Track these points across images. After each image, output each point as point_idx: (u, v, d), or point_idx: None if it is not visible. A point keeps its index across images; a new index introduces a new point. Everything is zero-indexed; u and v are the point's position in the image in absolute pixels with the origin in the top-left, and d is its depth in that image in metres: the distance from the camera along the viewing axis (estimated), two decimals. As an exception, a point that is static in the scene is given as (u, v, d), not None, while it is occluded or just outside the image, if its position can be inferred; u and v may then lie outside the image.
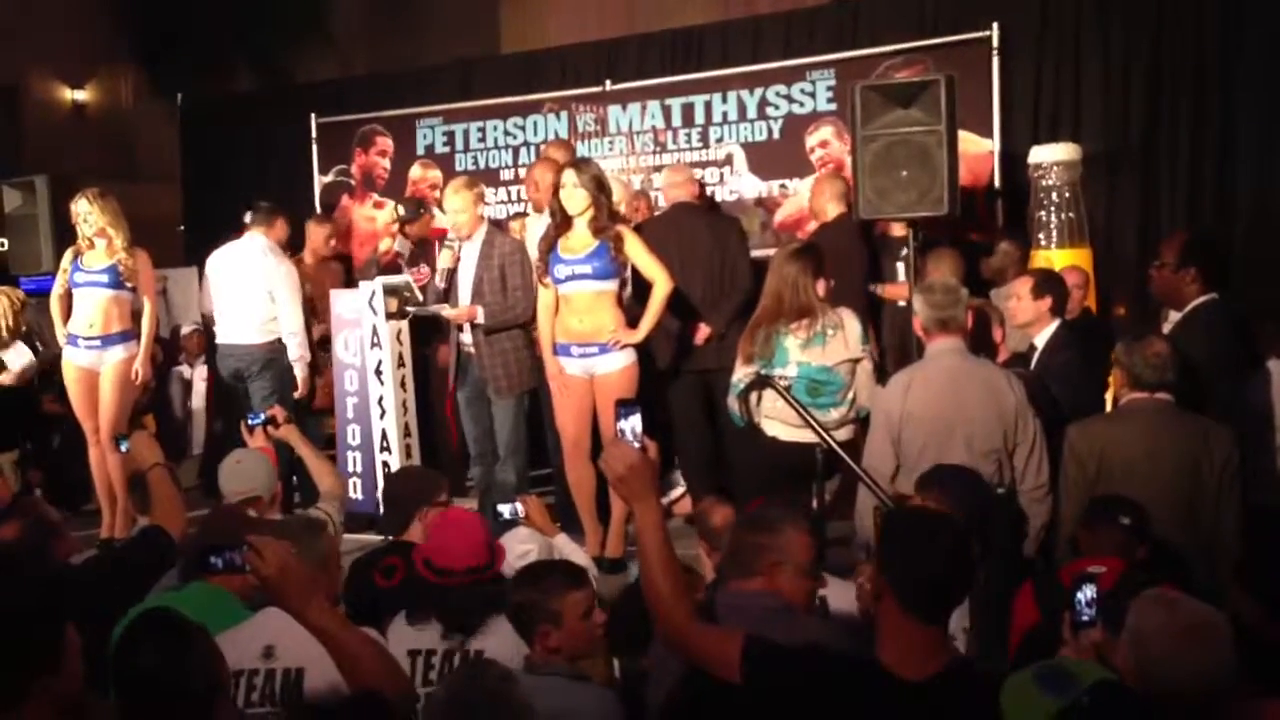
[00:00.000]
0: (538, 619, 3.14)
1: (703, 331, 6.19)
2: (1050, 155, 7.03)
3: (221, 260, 6.98)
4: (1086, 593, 2.74)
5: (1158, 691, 2.35)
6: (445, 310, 6.19)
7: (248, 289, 6.77)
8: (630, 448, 2.49)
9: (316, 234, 7.70)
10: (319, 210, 9.41)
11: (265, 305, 6.72)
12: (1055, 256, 6.78)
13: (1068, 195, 6.98)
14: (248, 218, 7.13)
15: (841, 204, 6.75)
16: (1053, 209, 6.98)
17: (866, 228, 6.64)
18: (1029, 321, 5.31)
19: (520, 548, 4.10)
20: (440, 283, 6.25)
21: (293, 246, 7.28)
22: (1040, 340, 5.26)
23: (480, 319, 6.02)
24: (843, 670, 2.49)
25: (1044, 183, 7.02)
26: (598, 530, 5.70)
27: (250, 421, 4.97)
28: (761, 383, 4.96)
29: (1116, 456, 3.97)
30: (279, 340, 6.72)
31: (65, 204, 6.58)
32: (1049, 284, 5.36)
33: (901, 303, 6.23)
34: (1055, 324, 5.26)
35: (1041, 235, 6.97)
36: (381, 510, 4.50)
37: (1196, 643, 2.40)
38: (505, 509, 4.46)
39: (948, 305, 4.50)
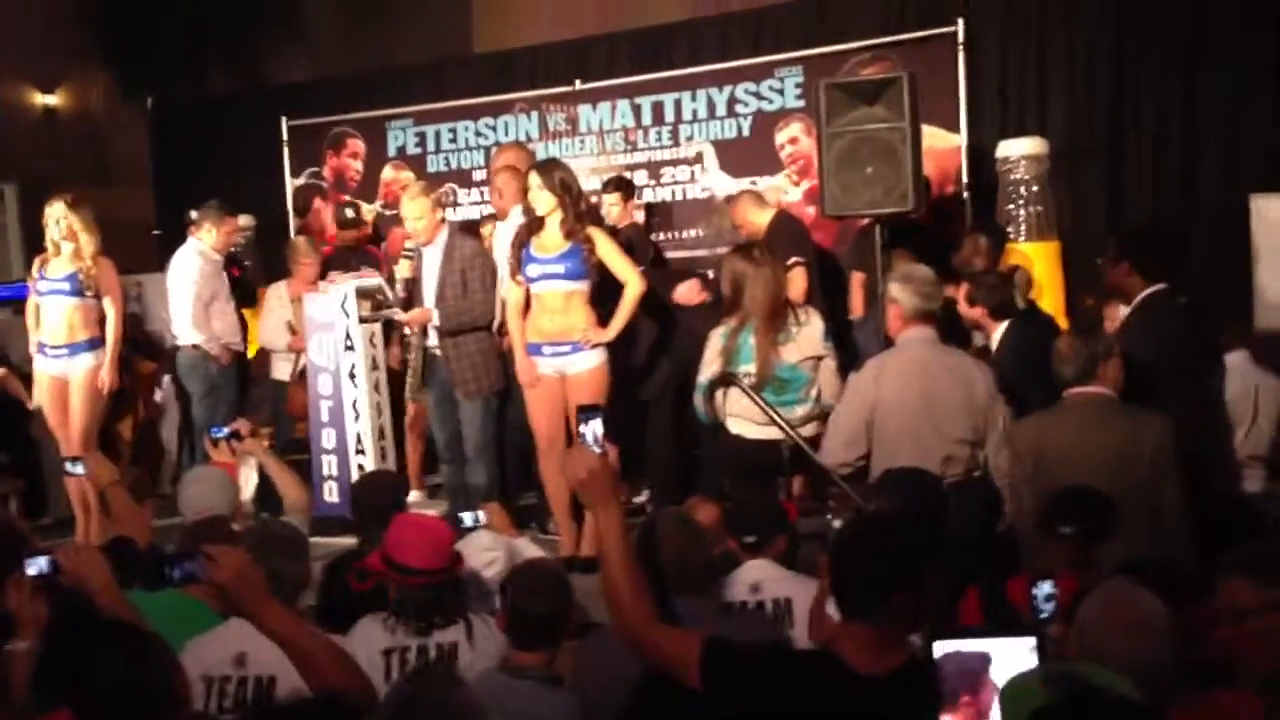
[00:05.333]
0: None
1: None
2: (1017, 149, 7.09)
3: (171, 264, 7.14)
4: (1044, 589, 2.77)
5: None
6: (399, 314, 6.23)
7: (176, 292, 6.98)
8: (590, 452, 2.52)
9: (305, 259, 7.67)
10: (291, 213, 9.43)
11: (189, 308, 6.87)
12: (1024, 250, 6.85)
13: (1035, 189, 7.04)
14: (193, 215, 7.18)
15: (765, 207, 6.90)
16: (1021, 203, 7.04)
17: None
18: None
19: (486, 555, 4.12)
20: (401, 292, 6.28)
21: (273, 258, 7.35)
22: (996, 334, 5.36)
23: (435, 321, 6.04)
24: (802, 667, 2.52)
25: (1011, 176, 7.08)
26: (572, 529, 5.73)
27: (213, 434, 4.95)
28: (726, 380, 5.00)
29: (1052, 452, 4.00)
30: (204, 344, 6.88)
31: (36, 211, 6.61)
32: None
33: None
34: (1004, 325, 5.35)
35: (1010, 229, 7.02)
36: (354, 515, 4.49)
37: (1134, 634, 2.44)
38: (467, 517, 4.48)
39: (931, 295, 4.56)
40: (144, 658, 2.39)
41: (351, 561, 4.01)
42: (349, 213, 8.10)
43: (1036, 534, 3.56)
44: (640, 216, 7.46)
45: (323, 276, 7.28)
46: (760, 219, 6.84)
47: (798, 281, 6.39)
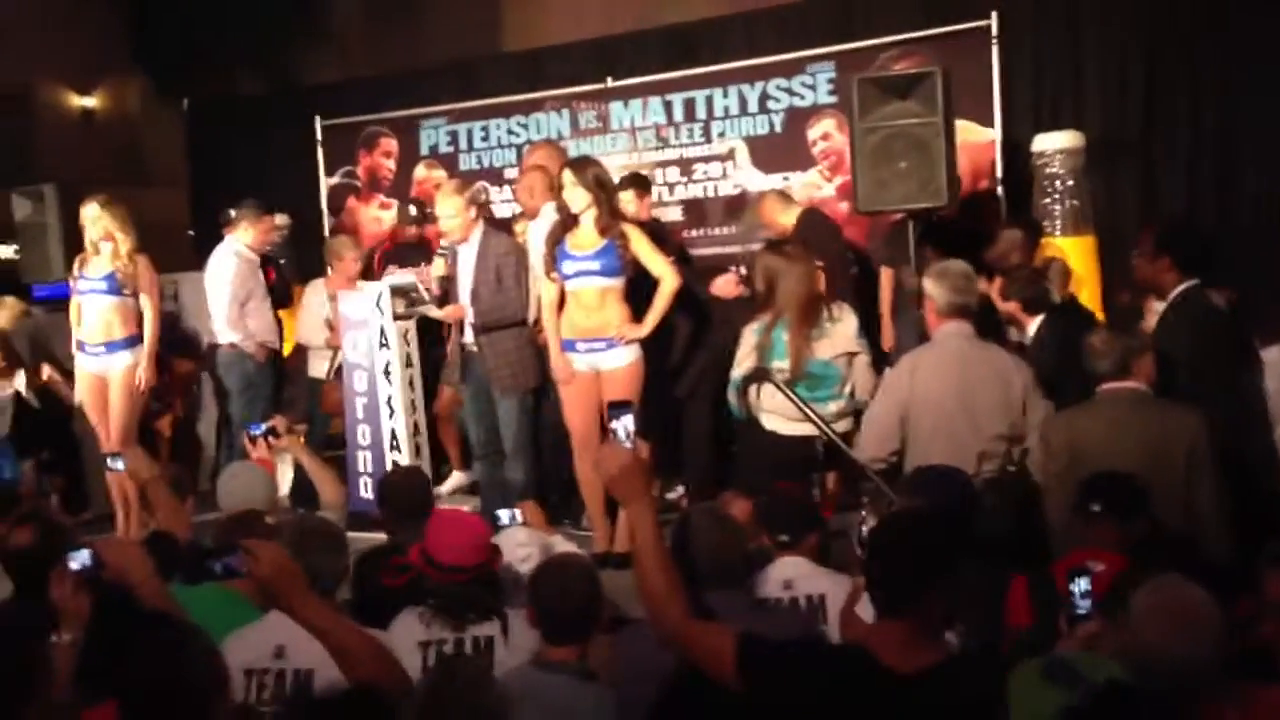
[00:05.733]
0: None
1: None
2: (1053, 143, 7.05)
3: (209, 264, 7.21)
4: (1080, 585, 2.73)
5: (1145, 674, 2.37)
6: (433, 310, 6.25)
7: (213, 291, 7.04)
8: (622, 448, 2.53)
9: (349, 254, 7.72)
10: (326, 212, 9.49)
11: (226, 307, 6.96)
12: (1060, 244, 6.81)
13: (1071, 183, 6.99)
14: (232, 214, 7.24)
15: (790, 205, 6.92)
16: (1056, 197, 6.99)
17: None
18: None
19: (521, 550, 4.14)
20: (436, 290, 6.31)
21: (307, 257, 7.40)
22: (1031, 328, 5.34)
23: (470, 318, 6.07)
24: (836, 664, 2.52)
25: (1047, 170, 7.04)
26: (606, 525, 5.74)
27: (251, 431, 5.00)
28: (760, 376, 5.00)
29: (1086, 447, 3.97)
30: (240, 342, 6.95)
31: (75, 211, 6.67)
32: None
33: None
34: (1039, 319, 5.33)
35: (1046, 223, 6.98)
36: (381, 512, 4.51)
37: (1185, 630, 2.41)
38: (504, 515, 4.50)
39: (966, 290, 4.54)
40: (186, 650, 2.43)
41: (382, 557, 4.05)
42: (413, 210, 8.14)
43: (1072, 519, 3.55)
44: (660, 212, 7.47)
45: (382, 272, 7.33)
46: (785, 218, 6.83)
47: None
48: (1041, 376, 4.58)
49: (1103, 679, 2.19)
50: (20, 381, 7.51)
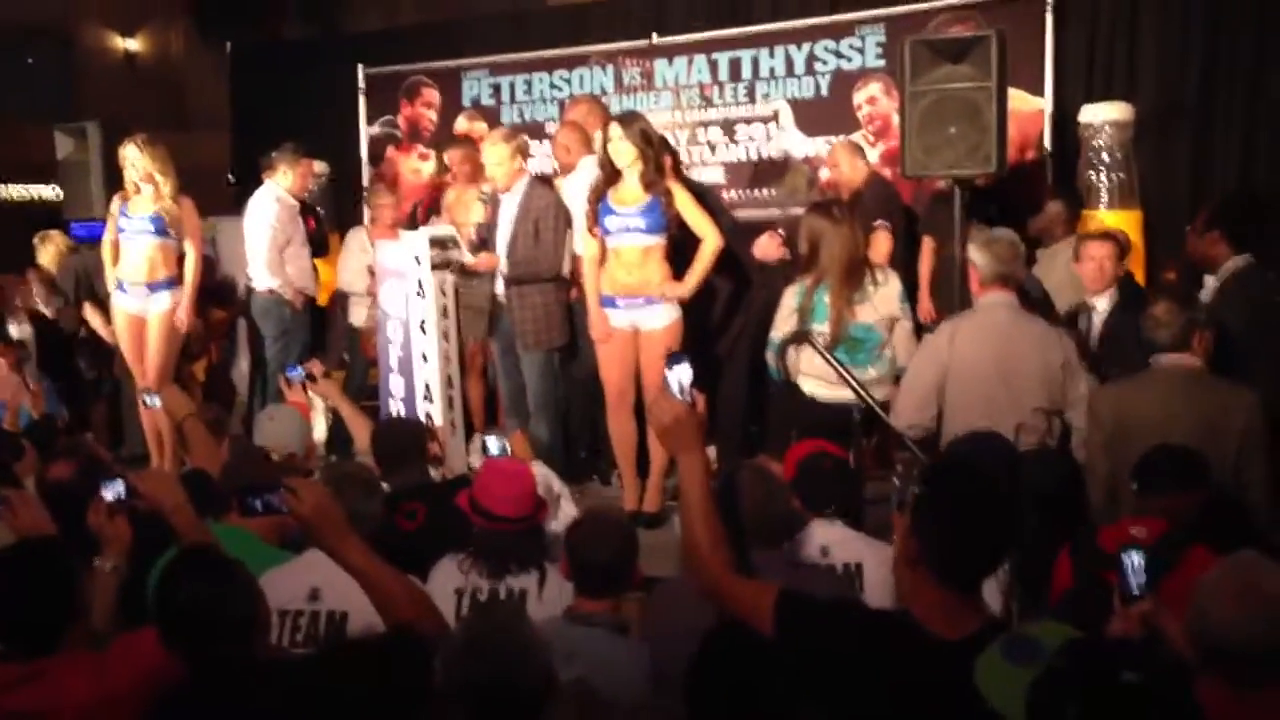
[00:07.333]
0: None
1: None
2: (1102, 114, 6.92)
3: (248, 208, 7.19)
4: (1134, 560, 2.64)
5: (1211, 655, 2.31)
6: (466, 258, 6.22)
7: (253, 235, 7.01)
8: (676, 400, 2.50)
9: (388, 204, 7.73)
10: (365, 161, 9.46)
11: (265, 252, 6.93)
12: (1105, 218, 6.71)
13: (1119, 156, 6.87)
14: (272, 156, 7.22)
15: (861, 161, 6.92)
16: (1103, 170, 6.88)
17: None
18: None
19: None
20: (474, 236, 6.27)
21: (343, 205, 7.36)
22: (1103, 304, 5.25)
23: (502, 268, 6.03)
24: (877, 626, 2.49)
25: (1095, 142, 6.92)
26: (637, 484, 5.73)
27: (288, 375, 5.03)
28: (800, 338, 4.95)
29: (1132, 420, 3.92)
30: (278, 288, 6.94)
31: (117, 150, 6.67)
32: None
33: None
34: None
35: (1091, 197, 6.87)
36: (375, 458, 4.49)
37: (1260, 612, 2.32)
38: (493, 443, 4.51)
39: (1011, 259, 4.48)
40: (230, 581, 2.43)
41: (395, 502, 4.05)
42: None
43: (1126, 490, 3.49)
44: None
45: (425, 223, 7.34)
46: (853, 171, 6.78)
47: (881, 244, 6.34)
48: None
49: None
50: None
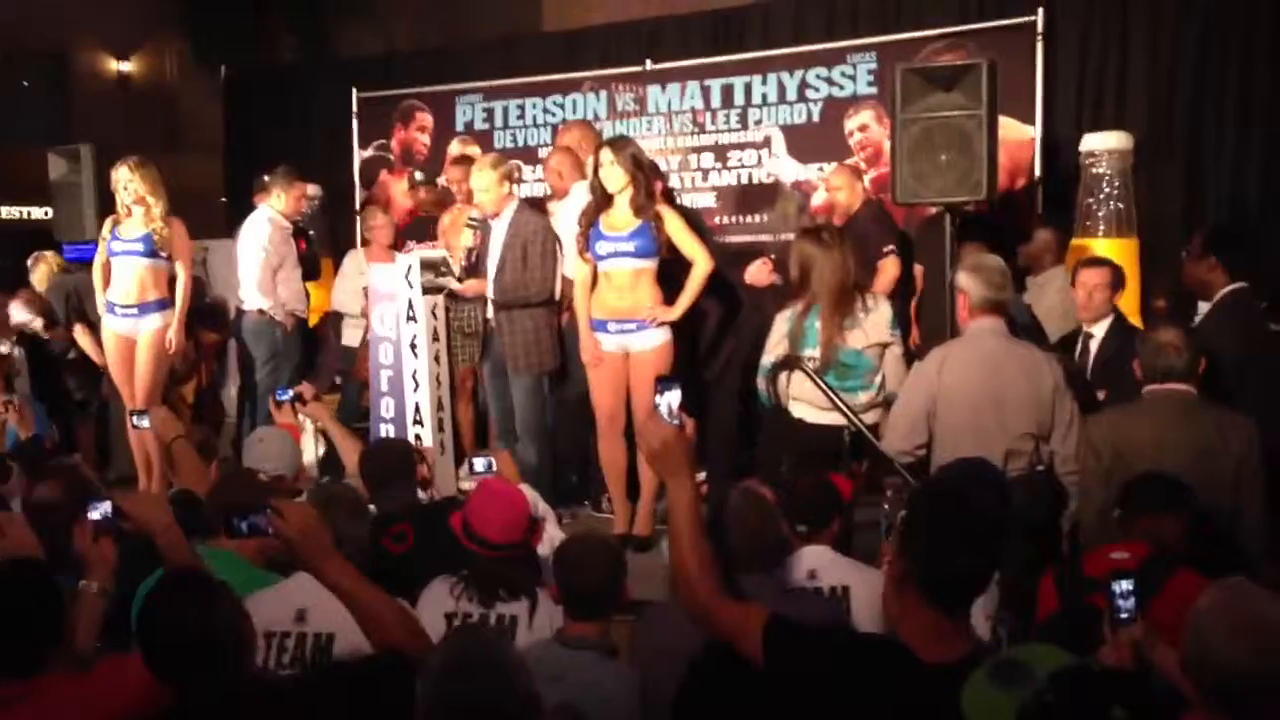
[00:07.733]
0: None
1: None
2: (1102, 143, 6.93)
3: (242, 230, 7.18)
4: (1122, 587, 2.63)
5: (1211, 684, 2.28)
6: (453, 283, 6.23)
7: (245, 257, 6.99)
8: (666, 424, 2.50)
9: (383, 225, 7.73)
10: (358, 184, 9.48)
11: (257, 274, 6.91)
12: (1101, 246, 6.72)
13: (1118, 185, 6.89)
14: (265, 179, 7.22)
15: (860, 185, 6.93)
16: (1102, 198, 6.90)
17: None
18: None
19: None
20: (464, 261, 6.28)
21: (336, 227, 7.38)
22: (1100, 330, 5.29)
23: (491, 294, 6.04)
24: (865, 650, 2.49)
25: (1094, 171, 6.94)
26: (627, 508, 5.72)
27: (278, 397, 5.01)
28: (790, 363, 4.95)
29: (1129, 448, 3.93)
30: (270, 310, 6.93)
31: (110, 172, 6.67)
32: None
33: None
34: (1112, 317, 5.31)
35: (1088, 224, 6.89)
36: (363, 480, 4.47)
37: (1257, 641, 2.27)
38: (479, 462, 4.50)
39: (1000, 286, 4.49)
40: (215, 605, 2.42)
41: (384, 524, 4.04)
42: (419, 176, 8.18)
43: (1111, 517, 3.50)
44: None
45: (403, 247, 7.35)
46: (849, 194, 6.79)
47: (889, 270, 6.36)
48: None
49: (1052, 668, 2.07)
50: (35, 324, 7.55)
